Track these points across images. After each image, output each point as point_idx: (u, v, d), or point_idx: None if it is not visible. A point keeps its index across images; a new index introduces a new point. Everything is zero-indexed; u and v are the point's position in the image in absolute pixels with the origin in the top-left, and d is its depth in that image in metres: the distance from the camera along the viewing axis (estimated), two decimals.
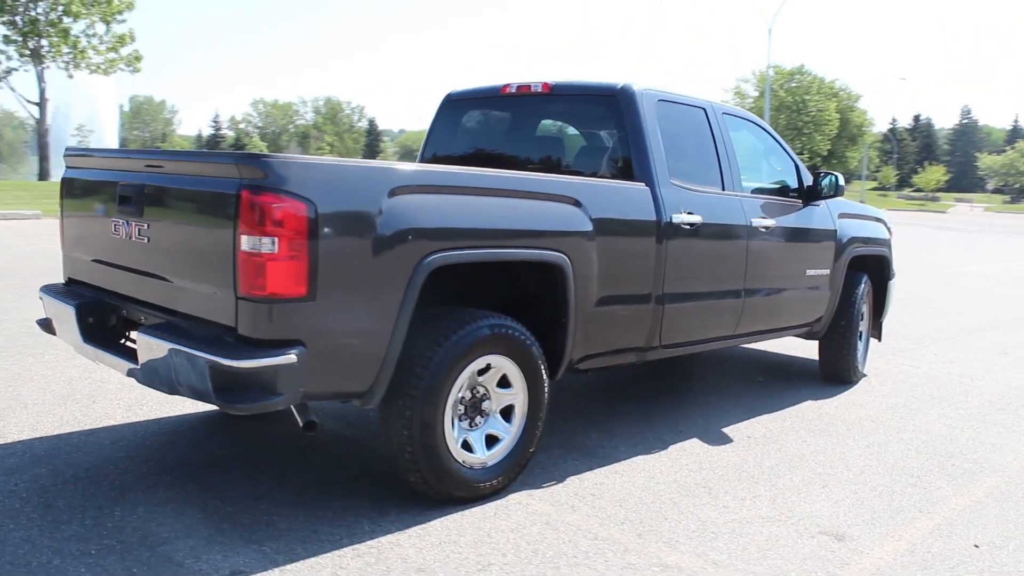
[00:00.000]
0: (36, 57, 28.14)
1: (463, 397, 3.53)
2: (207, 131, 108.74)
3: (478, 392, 3.60)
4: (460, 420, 3.54)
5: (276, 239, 2.86)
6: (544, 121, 5.03)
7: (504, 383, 3.65)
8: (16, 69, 28.54)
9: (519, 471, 3.74)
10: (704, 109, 4.88)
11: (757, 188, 5.26)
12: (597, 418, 4.96)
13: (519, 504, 3.58)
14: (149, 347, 3.12)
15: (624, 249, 4.12)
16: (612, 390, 5.75)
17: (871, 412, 5.40)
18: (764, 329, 5.36)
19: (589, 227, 3.87)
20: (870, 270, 6.27)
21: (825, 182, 5.41)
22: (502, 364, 3.59)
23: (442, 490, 3.44)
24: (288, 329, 2.93)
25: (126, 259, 3.54)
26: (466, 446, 3.55)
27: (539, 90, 4.80)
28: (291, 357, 2.90)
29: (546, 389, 3.76)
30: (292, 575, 2.87)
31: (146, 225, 3.37)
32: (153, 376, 3.14)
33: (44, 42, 28.02)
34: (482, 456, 3.58)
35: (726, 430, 4.82)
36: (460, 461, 3.48)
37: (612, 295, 4.05)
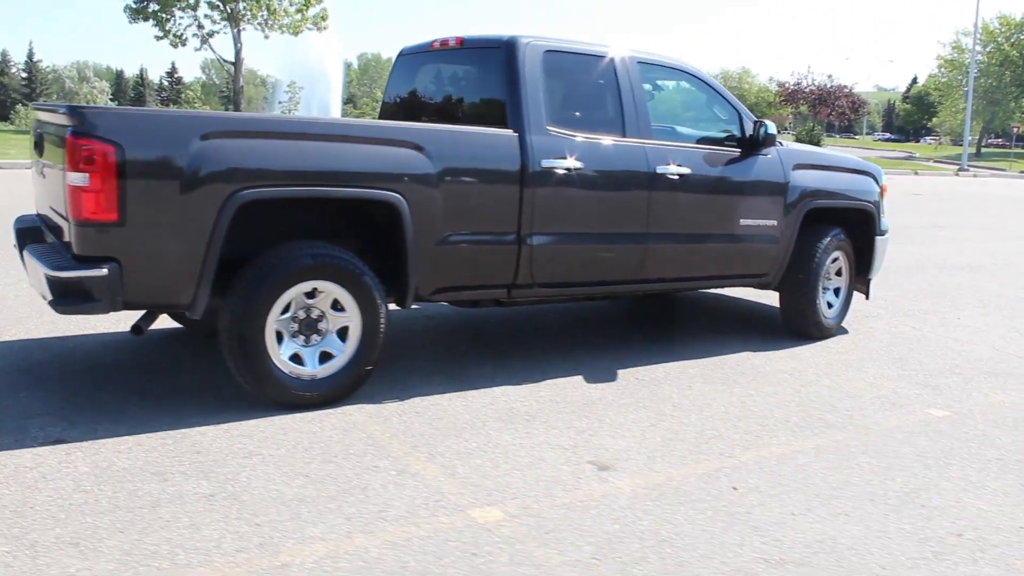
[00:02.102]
0: (233, 20, 31.11)
1: (296, 316, 4.05)
2: None
3: (313, 313, 4.11)
4: (293, 336, 4.07)
5: (88, 175, 3.50)
6: (455, 72, 5.34)
7: (338, 307, 4.13)
8: (216, 32, 31.73)
9: (355, 386, 4.22)
10: (611, 59, 4.99)
11: (681, 136, 5.29)
12: (498, 346, 5.32)
13: (341, 413, 4.08)
14: (28, 263, 3.91)
15: (476, 191, 4.42)
16: (550, 325, 6.04)
17: (800, 365, 5.33)
18: (692, 276, 5.43)
19: (431, 170, 4.22)
20: (847, 224, 6.05)
21: (761, 131, 5.33)
22: (330, 289, 4.07)
23: (266, 395, 4.00)
24: (103, 248, 3.59)
25: (40, 192, 4.36)
26: (297, 359, 4.08)
27: (454, 45, 5.13)
28: (103, 271, 3.56)
29: (382, 314, 4.19)
30: (102, 446, 3.55)
31: (43, 165, 4.14)
32: (34, 284, 3.93)
33: (241, 5, 30.89)
34: (312, 370, 4.10)
35: (622, 371, 5.00)
36: (287, 372, 4.02)
37: (461, 234, 4.38)
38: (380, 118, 5.76)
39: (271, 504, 3.11)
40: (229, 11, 30.94)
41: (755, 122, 5.37)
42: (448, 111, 5.22)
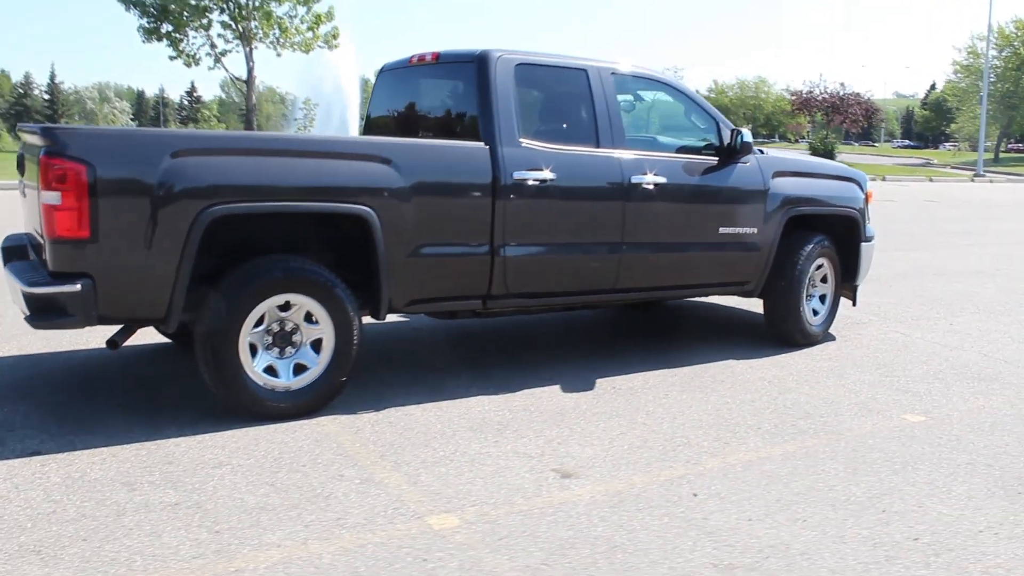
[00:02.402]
0: (244, 39, 31.47)
1: (270, 329, 4.13)
2: None
3: (287, 325, 4.18)
4: (268, 349, 4.15)
5: (60, 193, 3.60)
6: (432, 87, 5.42)
7: (311, 319, 4.21)
8: (230, 51, 32.10)
9: (330, 397, 4.29)
10: (584, 71, 5.05)
11: (659, 146, 5.34)
12: (479, 357, 5.38)
13: (315, 424, 4.14)
14: (8, 280, 4.02)
15: (447, 204, 4.49)
16: (534, 335, 6.09)
17: (782, 373, 5.34)
18: (671, 285, 5.46)
19: (401, 183, 4.29)
20: (832, 231, 6.07)
21: (737, 140, 5.37)
22: (303, 302, 4.14)
23: (240, 407, 4.07)
24: (77, 264, 3.68)
25: (25, 210, 4.47)
26: (272, 371, 4.16)
27: (430, 60, 5.21)
28: (76, 287, 3.65)
29: (355, 326, 4.26)
30: (76, 457, 3.63)
31: (24, 185, 4.26)
32: (15, 300, 4.03)
33: (253, 24, 31.25)
34: (286, 381, 4.17)
35: (600, 380, 5.04)
36: (261, 384, 4.10)
37: (434, 246, 4.45)
38: (363, 133, 5.86)
39: (233, 512, 3.18)
40: (241, 30, 31.32)
41: (732, 130, 5.40)
42: (426, 125, 5.30)
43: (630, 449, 3.97)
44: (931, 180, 35.01)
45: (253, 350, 4.10)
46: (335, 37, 33.43)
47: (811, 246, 5.86)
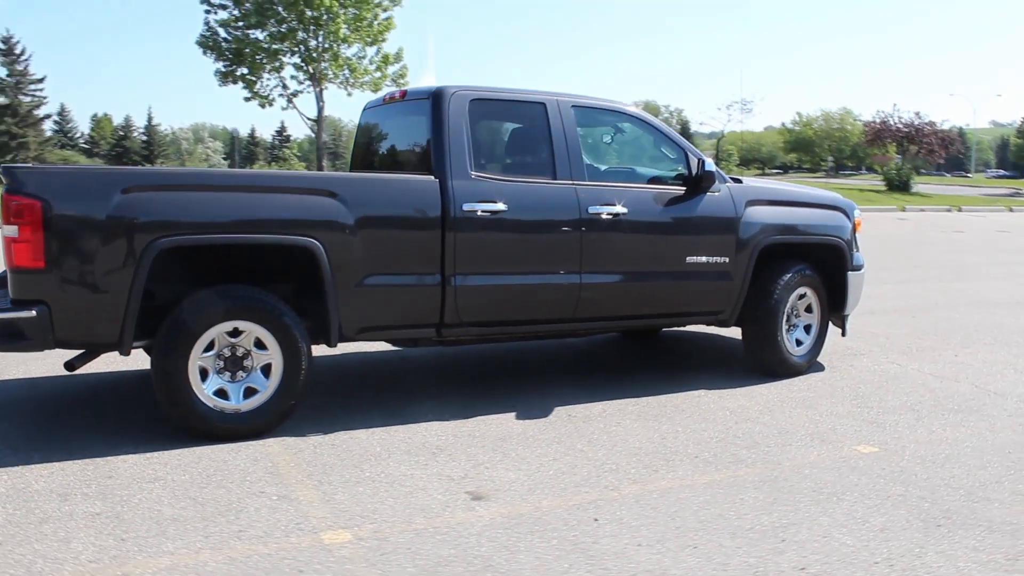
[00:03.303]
0: (315, 80, 32.76)
1: (221, 354, 4.37)
2: None
3: (239, 351, 4.41)
4: (219, 373, 4.38)
5: (18, 227, 3.93)
6: (400, 123, 5.63)
7: (261, 345, 4.43)
8: (301, 91, 33.46)
9: (280, 419, 4.49)
10: (543, 104, 5.18)
11: (625, 177, 5.43)
12: (445, 383, 5.51)
13: (261, 444, 4.33)
14: None
15: (395, 236, 4.67)
16: (508, 363, 6.18)
17: (749, 403, 5.29)
18: (635, 315, 5.50)
19: (347, 216, 4.50)
20: (816, 260, 6.00)
21: (701, 169, 5.40)
22: (251, 329, 4.37)
23: (191, 427, 4.31)
24: (33, 292, 4.00)
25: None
26: (223, 394, 4.38)
27: (399, 97, 5.45)
28: (31, 313, 3.96)
29: (303, 352, 4.46)
30: (28, 471, 3.91)
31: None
32: None
33: (323, 65, 32.54)
34: (236, 404, 4.39)
35: (560, 408, 5.09)
36: (211, 405, 4.32)
37: (383, 276, 4.63)
38: (349, 167, 6.13)
39: (145, 523, 3.38)
40: (311, 71, 32.61)
41: (698, 160, 5.44)
42: (396, 159, 5.53)
43: (555, 474, 4.03)
44: (1011, 210, 33.50)
45: (204, 374, 4.33)
46: (403, 76, 34.43)
47: (790, 275, 5.80)
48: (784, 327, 5.86)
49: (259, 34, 31.79)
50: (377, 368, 6.18)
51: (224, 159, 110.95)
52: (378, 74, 33.56)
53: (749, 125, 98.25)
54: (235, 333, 4.38)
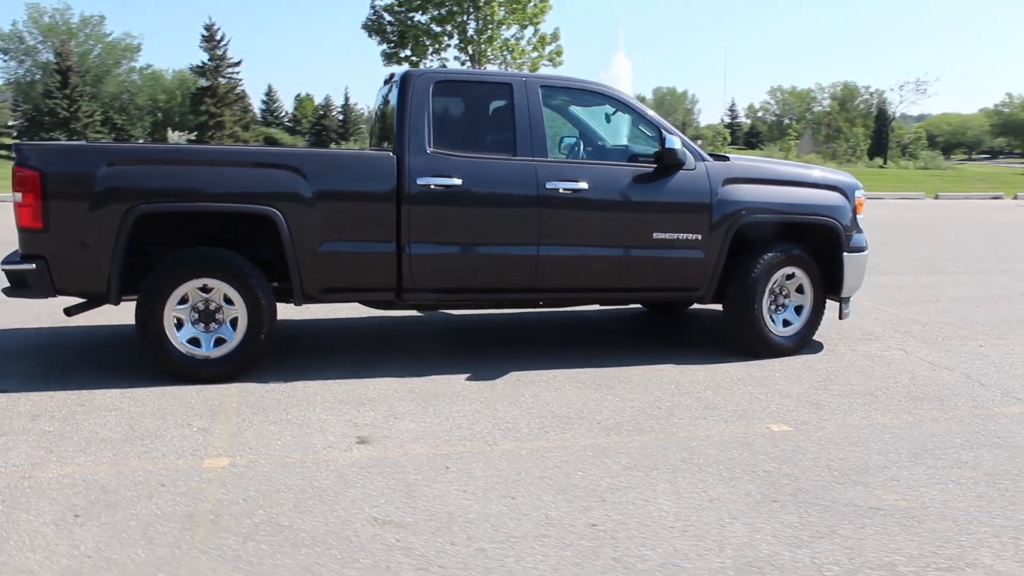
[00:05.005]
0: (474, 61, 33.87)
1: (195, 307, 5.04)
2: (727, 120, 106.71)
3: (211, 305, 5.07)
4: (194, 324, 5.06)
5: (22, 194, 4.76)
6: (389, 102, 6.03)
7: (229, 301, 5.06)
8: None
9: (246, 367, 5.11)
10: (509, 85, 5.45)
11: (600, 155, 5.64)
12: (423, 347, 5.93)
13: (223, 387, 4.96)
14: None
15: (352, 206, 5.14)
16: (493, 333, 6.50)
17: (704, 379, 5.33)
18: (602, 287, 5.65)
19: (306, 188, 5.01)
20: (810, 240, 5.88)
21: (665, 147, 5.46)
22: (220, 286, 5.01)
23: (166, 369, 5.01)
24: (35, 248, 4.83)
25: None
26: (196, 342, 5.06)
27: (389, 79, 5.89)
28: (31, 265, 4.79)
29: (265, 309, 5.04)
30: (24, 396, 4.75)
31: None
32: None
33: (483, 46, 33.60)
34: (206, 351, 5.05)
35: (513, 374, 5.37)
36: (183, 352, 5.01)
37: (341, 243, 5.11)
38: (369, 143, 6.66)
39: (79, 441, 4.06)
40: (471, 53, 33.76)
41: (662, 138, 5.49)
42: (388, 135, 5.97)
43: (450, 428, 4.36)
44: None
45: (180, 324, 5.02)
46: (559, 54, 34.86)
47: (772, 254, 5.73)
48: (766, 307, 5.79)
49: (421, 17, 33.23)
50: (364, 331, 6.69)
51: None
52: (535, 54, 34.16)
53: (928, 107, 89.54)
54: (206, 289, 5.03)
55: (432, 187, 5.16)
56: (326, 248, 5.10)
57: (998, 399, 5.03)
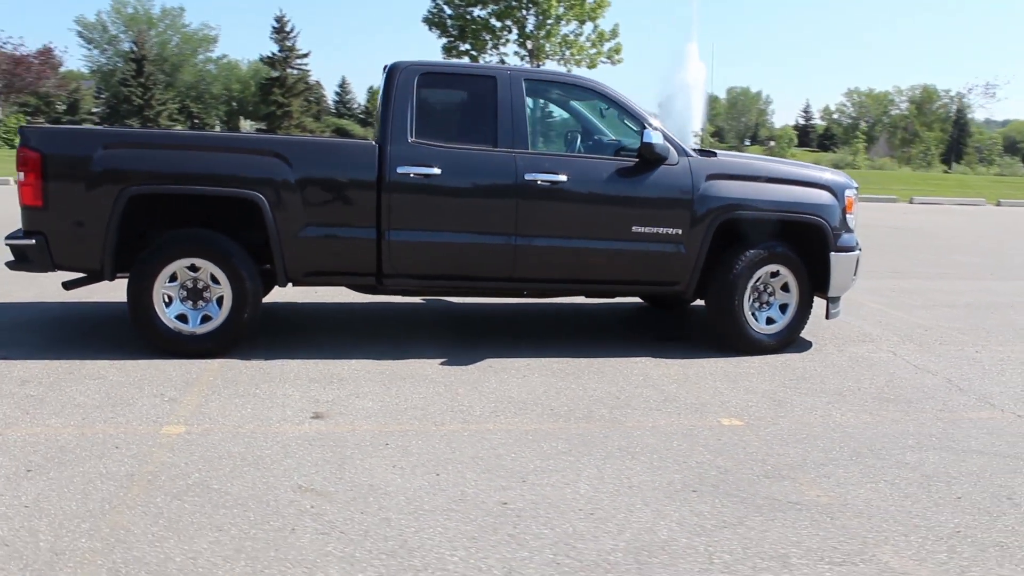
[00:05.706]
0: (533, 56, 33.94)
1: (184, 285, 5.31)
2: (801, 121, 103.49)
3: (199, 283, 5.33)
4: (183, 301, 5.33)
5: (24, 173, 5.09)
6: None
7: (216, 280, 5.31)
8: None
9: (230, 344, 5.35)
10: (494, 78, 5.57)
11: (585, 148, 5.71)
12: (412, 334, 6.10)
13: (206, 362, 5.22)
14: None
15: (335, 193, 5.33)
16: (485, 322, 6.62)
17: (674, 373, 5.36)
18: (580, 279, 5.72)
19: (290, 174, 5.23)
20: (797, 238, 5.86)
21: (643, 141, 5.51)
22: (207, 266, 5.26)
23: (154, 344, 5.30)
24: (35, 225, 5.16)
25: None
26: (184, 318, 5.33)
27: (384, 69, 6.06)
28: (31, 241, 5.12)
29: (249, 288, 5.27)
30: (18, 364, 5.08)
31: None
32: None
33: (541, 42, 33.62)
34: (192, 328, 5.32)
35: (489, 361, 5.50)
36: (171, 327, 5.28)
37: (323, 228, 5.31)
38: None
39: (56, 405, 4.36)
40: (530, 48, 33.83)
41: (640, 132, 5.53)
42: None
43: (405, 409, 4.52)
44: None
45: (169, 301, 5.29)
46: (617, 52, 34.67)
47: (754, 251, 5.72)
48: (747, 303, 5.79)
49: (480, 11, 33.46)
50: (356, 315, 6.87)
51: None
52: (594, 51, 34.05)
53: (996, 113, 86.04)
54: (194, 268, 5.29)
55: (412, 176, 5.32)
56: (308, 233, 5.30)
57: (971, 404, 4.95)
